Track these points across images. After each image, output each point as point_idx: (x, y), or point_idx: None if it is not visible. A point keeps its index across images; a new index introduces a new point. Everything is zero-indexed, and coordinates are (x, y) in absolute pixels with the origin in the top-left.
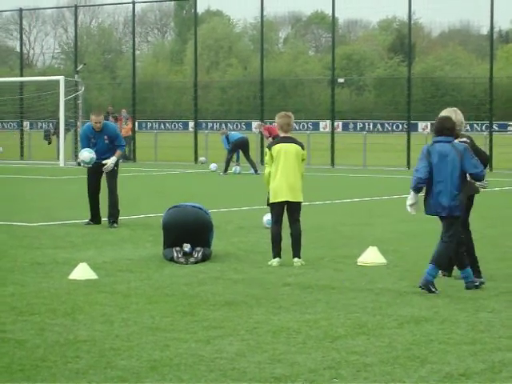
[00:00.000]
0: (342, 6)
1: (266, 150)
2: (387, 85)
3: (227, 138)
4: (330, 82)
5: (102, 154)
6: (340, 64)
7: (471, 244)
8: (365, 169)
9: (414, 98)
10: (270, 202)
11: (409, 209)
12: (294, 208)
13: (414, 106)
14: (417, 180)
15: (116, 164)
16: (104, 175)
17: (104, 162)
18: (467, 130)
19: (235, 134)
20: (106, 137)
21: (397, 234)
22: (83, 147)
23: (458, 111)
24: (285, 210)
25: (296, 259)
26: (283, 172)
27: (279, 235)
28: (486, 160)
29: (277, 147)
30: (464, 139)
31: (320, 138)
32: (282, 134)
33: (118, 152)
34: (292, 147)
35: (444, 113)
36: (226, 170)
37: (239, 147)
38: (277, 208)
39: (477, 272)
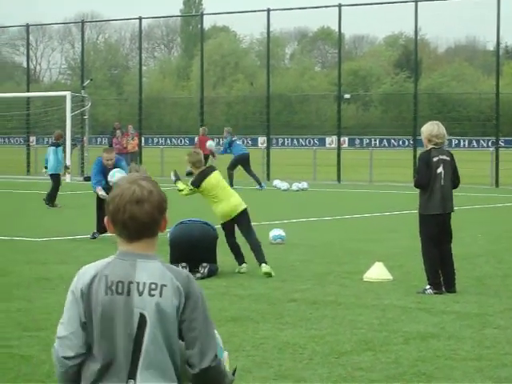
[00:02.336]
0: (349, 22)
1: (192, 187)
2: (393, 101)
3: (230, 144)
4: (337, 97)
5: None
6: (346, 80)
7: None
8: (371, 184)
9: (420, 113)
10: (226, 221)
11: None
12: (245, 216)
13: (421, 121)
14: None
15: None
16: None
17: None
18: (473, 146)
19: (239, 147)
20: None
21: (403, 249)
22: (97, 181)
23: (441, 124)
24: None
25: (263, 265)
26: (228, 193)
27: (236, 243)
28: (459, 181)
29: (207, 181)
30: (444, 157)
31: (326, 153)
32: (202, 168)
33: None
34: (217, 173)
35: (427, 125)
36: (231, 184)
37: (241, 162)
38: (229, 224)
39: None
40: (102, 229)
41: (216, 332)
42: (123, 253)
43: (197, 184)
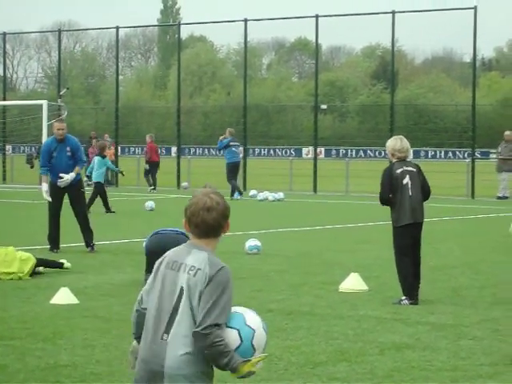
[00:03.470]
0: (326, 33)
1: None
2: (370, 111)
3: (227, 146)
4: (313, 108)
5: (63, 168)
6: (323, 90)
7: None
8: (347, 195)
9: (396, 124)
10: None
11: None
12: None
13: (397, 132)
14: None
15: (81, 186)
16: (67, 200)
17: (61, 175)
18: (449, 157)
19: (233, 154)
20: (68, 148)
21: (379, 260)
22: (43, 162)
23: (404, 139)
24: None
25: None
26: None
27: None
28: (430, 192)
29: None
30: (409, 168)
31: (302, 164)
32: None
33: (77, 168)
34: None
35: (390, 140)
36: (240, 193)
37: (233, 170)
38: None
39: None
40: (56, 245)
41: (247, 319)
42: (189, 243)
43: None
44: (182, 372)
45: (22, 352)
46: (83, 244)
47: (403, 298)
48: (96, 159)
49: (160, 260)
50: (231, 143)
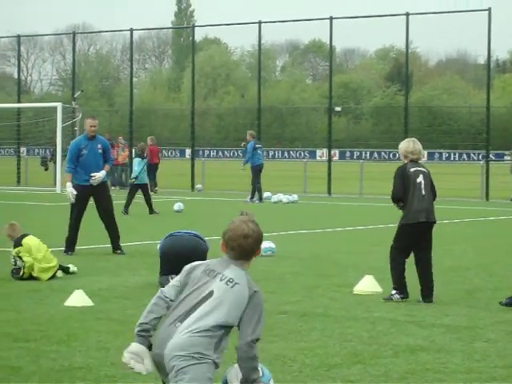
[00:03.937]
0: (340, 35)
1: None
2: (384, 113)
3: (253, 149)
4: (327, 110)
5: (94, 165)
6: (337, 92)
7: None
8: (361, 197)
9: (410, 126)
10: None
11: None
12: None
13: (411, 134)
14: None
15: (107, 188)
16: (93, 201)
17: (92, 174)
18: (464, 159)
19: (257, 156)
20: (99, 146)
21: None
22: (71, 160)
23: (417, 141)
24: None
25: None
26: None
27: None
28: (436, 195)
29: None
30: (422, 168)
31: (317, 166)
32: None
33: (107, 166)
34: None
35: (403, 142)
36: (260, 198)
37: (259, 172)
38: None
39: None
40: (72, 248)
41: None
42: (226, 259)
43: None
44: (177, 353)
45: (36, 354)
46: (98, 246)
47: (393, 292)
48: (136, 160)
49: (192, 265)
50: (256, 146)
